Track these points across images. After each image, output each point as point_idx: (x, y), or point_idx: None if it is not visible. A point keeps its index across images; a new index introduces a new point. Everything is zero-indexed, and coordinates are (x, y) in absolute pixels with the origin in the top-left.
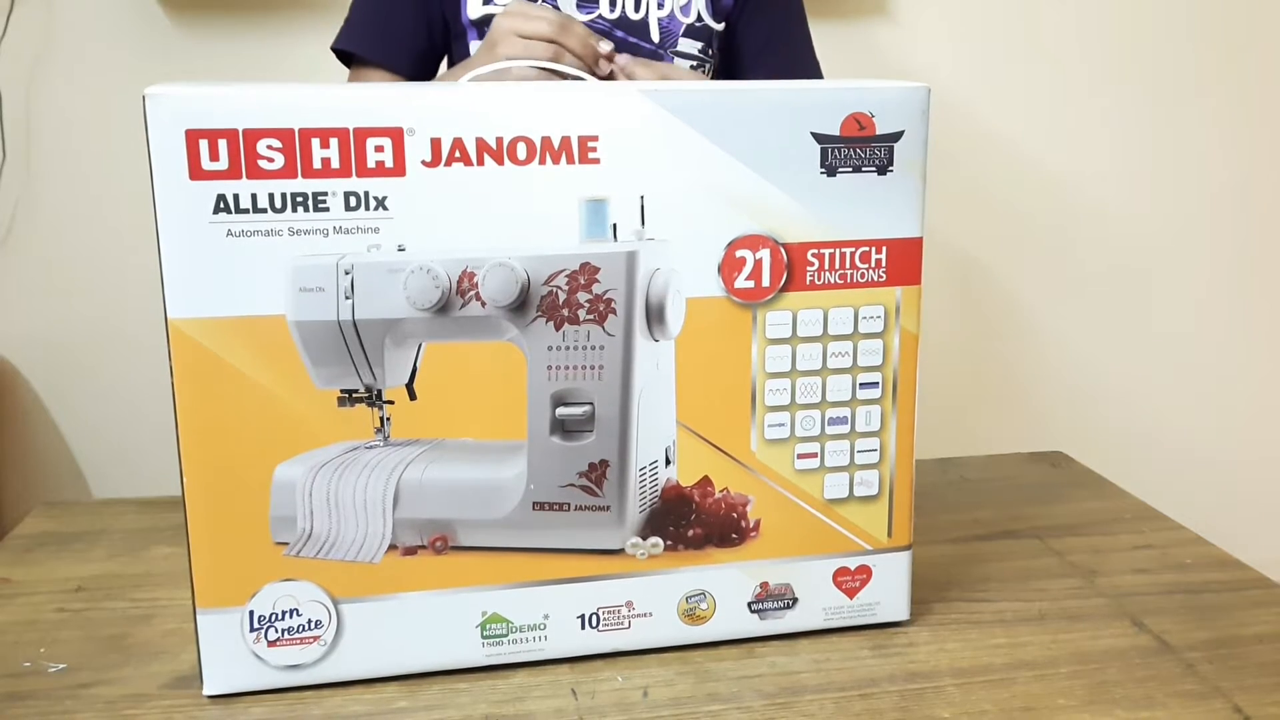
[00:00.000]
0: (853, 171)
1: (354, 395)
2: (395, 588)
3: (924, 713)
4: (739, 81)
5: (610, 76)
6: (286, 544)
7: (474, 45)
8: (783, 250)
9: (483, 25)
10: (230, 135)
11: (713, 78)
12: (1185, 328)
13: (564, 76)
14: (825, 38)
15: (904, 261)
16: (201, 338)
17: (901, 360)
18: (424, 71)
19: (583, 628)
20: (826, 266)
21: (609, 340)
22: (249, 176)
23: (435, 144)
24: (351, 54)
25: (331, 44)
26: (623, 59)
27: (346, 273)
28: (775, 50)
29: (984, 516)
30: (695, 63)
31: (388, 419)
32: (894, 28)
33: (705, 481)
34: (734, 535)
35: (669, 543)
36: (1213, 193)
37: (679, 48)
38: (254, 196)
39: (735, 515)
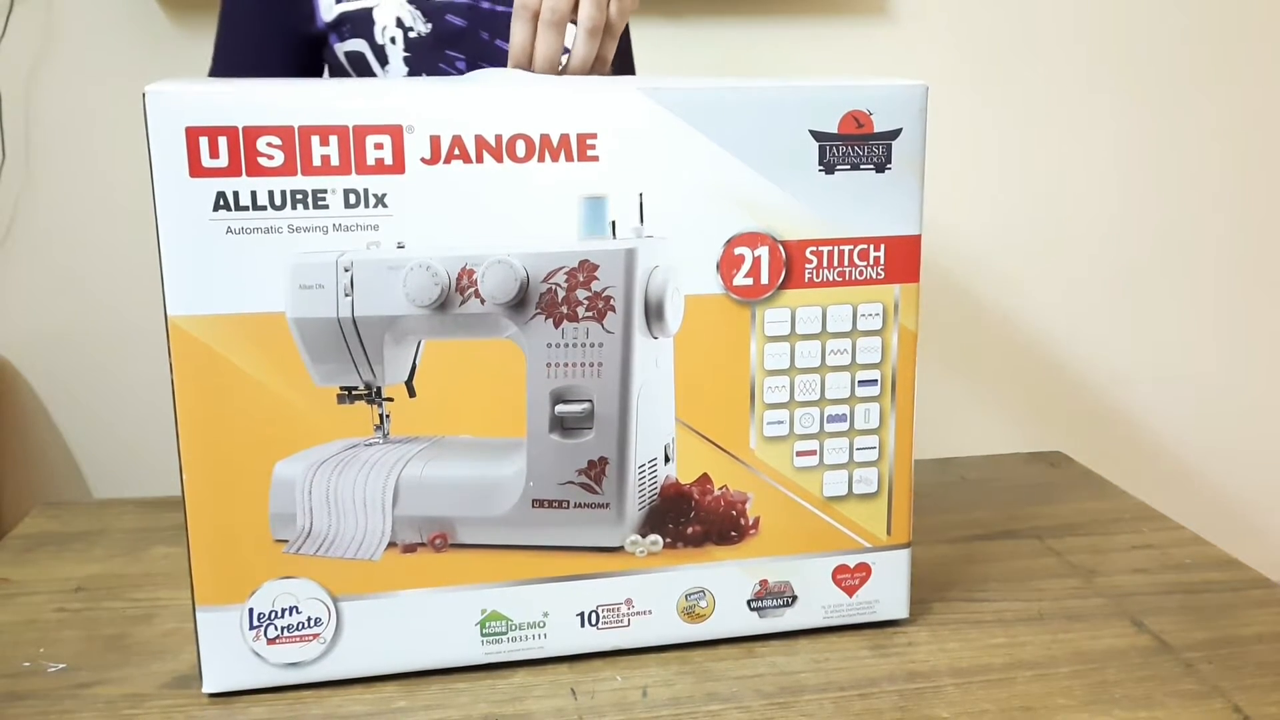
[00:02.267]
0: (851, 169)
1: (353, 392)
2: (395, 585)
3: (923, 712)
4: (738, 79)
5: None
6: (286, 541)
7: (337, 48)
8: (781, 248)
9: (340, 25)
10: (230, 133)
11: None
12: (1185, 327)
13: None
14: (825, 37)
15: (902, 259)
16: (201, 335)
17: (900, 358)
18: None
19: (582, 625)
20: (825, 264)
21: (608, 338)
22: (249, 174)
23: (434, 141)
24: None
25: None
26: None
27: (346, 270)
28: None
29: (983, 516)
30: None
31: (387, 416)
32: (894, 28)
33: (704, 479)
34: (733, 533)
35: (668, 540)
36: (1212, 192)
37: None
38: (254, 194)
39: (734, 513)
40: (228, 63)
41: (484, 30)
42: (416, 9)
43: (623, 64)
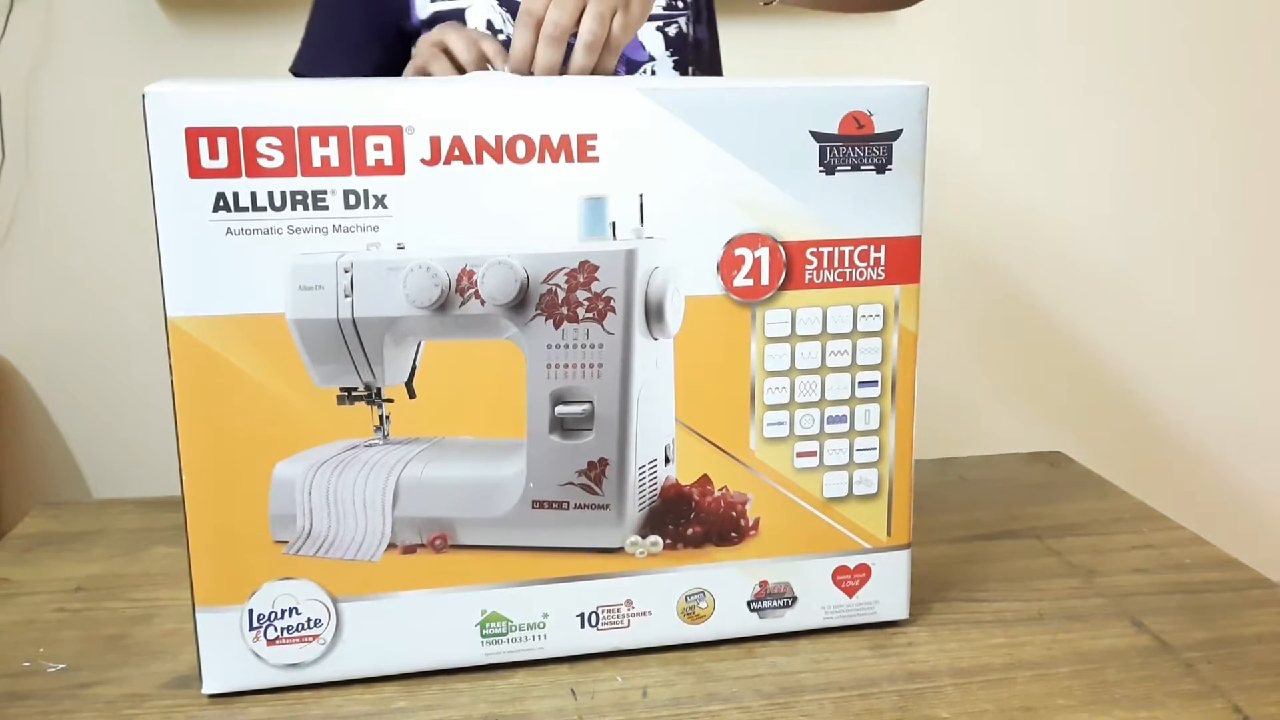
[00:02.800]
0: (851, 170)
1: (353, 393)
2: (394, 586)
3: (923, 713)
4: (738, 80)
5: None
6: (286, 542)
7: None
8: (781, 249)
9: (433, 23)
10: (230, 133)
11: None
12: (1185, 327)
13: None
14: (825, 37)
15: (903, 260)
16: (201, 336)
17: (900, 359)
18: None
19: (582, 626)
20: (825, 265)
21: (608, 338)
22: (248, 175)
23: (434, 142)
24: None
25: (290, 67)
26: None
27: (346, 271)
28: None
29: (983, 516)
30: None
31: (387, 417)
32: (894, 28)
33: (704, 480)
34: (733, 534)
35: (668, 541)
36: (1212, 192)
37: None
38: (253, 195)
39: (734, 514)
40: (316, 56)
41: (571, 35)
42: (506, 12)
43: (713, 68)
